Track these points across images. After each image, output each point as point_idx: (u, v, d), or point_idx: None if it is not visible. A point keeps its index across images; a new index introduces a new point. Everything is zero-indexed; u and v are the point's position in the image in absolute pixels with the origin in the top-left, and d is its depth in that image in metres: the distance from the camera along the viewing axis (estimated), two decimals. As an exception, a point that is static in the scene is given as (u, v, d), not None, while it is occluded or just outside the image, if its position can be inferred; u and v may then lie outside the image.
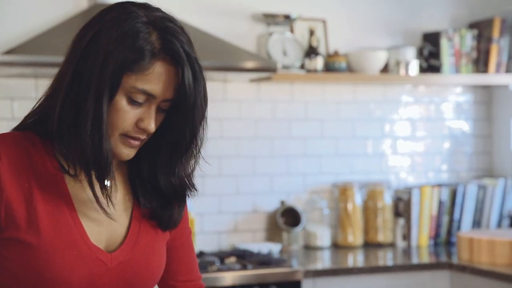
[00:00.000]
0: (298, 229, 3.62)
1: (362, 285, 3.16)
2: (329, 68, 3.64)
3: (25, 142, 1.41)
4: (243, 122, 3.63)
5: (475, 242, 3.24)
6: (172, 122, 1.43)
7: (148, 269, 1.47)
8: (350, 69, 3.70)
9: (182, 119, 1.42)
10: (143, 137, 1.41)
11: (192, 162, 1.48)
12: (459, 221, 3.81)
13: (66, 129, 1.38)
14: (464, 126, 4.05)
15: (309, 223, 3.70)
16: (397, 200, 3.80)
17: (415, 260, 3.44)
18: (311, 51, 3.59)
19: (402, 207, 3.78)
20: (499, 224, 3.86)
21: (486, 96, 4.08)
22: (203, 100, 1.42)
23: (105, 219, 1.44)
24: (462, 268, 3.20)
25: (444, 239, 3.80)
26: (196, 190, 1.51)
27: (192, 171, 1.49)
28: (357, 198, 3.73)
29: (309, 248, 3.66)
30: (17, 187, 1.37)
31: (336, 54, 3.65)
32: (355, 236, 3.71)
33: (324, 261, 3.41)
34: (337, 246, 3.71)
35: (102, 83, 1.34)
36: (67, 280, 1.37)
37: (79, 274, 1.38)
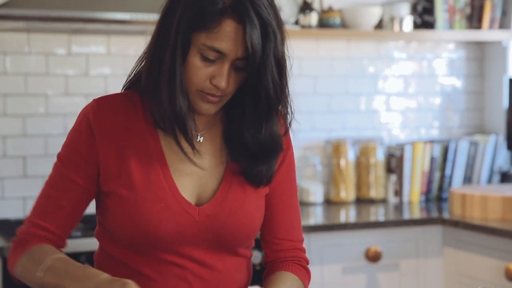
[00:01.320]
0: (291, 185, 3.63)
1: (355, 240, 3.19)
2: (323, 24, 3.62)
3: (124, 101, 1.54)
4: (237, 78, 3.62)
5: (467, 197, 3.27)
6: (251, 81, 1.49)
7: (236, 224, 1.52)
8: (344, 25, 3.69)
9: (256, 78, 1.47)
10: (218, 94, 1.48)
11: (276, 122, 1.53)
12: (450, 177, 3.84)
13: (151, 86, 1.49)
14: (456, 82, 4.06)
15: (302, 179, 3.71)
16: (390, 157, 3.82)
17: (406, 215, 3.47)
18: (305, 7, 3.57)
19: (394, 163, 3.80)
20: (489, 180, 3.89)
21: (479, 53, 4.08)
22: (276, 59, 1.48)
23: (197, 173, 1.52)
24: (454, 223, 3.24)
25: (435, 195, 3.84)
26: (282, 149, 1.56)
27: (278, 130, 1.54)
28: (350, 155, 3.74)
29: (302, 204, 3.67)
30: (112, 146, 1.51)
31: (330, 9, 3.63)
32: (347, 192, 3.73)
33: (316, 216, 3.43)
34: (329, 202, 3.73)
35: (176, 41, 1.44)
36: (156, 229, 1.47)
37: (166, 224, 1.48)
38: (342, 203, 3.71)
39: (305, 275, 1.65)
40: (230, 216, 1.52)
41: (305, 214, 3.43)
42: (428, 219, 3.33)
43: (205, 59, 1.45)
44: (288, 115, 1.57)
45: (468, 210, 3.26)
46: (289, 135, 1.64)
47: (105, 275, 1.39)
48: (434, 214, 3.47)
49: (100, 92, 3.30)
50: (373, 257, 3.17)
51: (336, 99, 3.83)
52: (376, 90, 3.90)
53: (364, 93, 3.88)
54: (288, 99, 1.55)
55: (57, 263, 1.46)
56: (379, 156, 3.78)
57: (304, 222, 3.14)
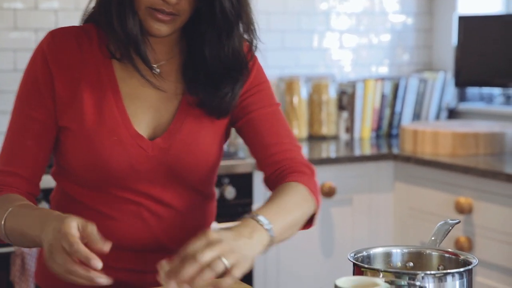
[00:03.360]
0: (244, 122, 3.64)
1: (310, 176, 3.23)
2: (276, -41, 3.58)
3: (79, 33, 1.50)
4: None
5: (419, 133, 3.34)
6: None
7: (189, 157, 1.49)
8: (297, -39, 3.66)
9: None
10: (169, 10, 1.42)
11: (237, 39, 1.48)
12: (400, 114, 3.90)
13: (103, 10, 1.45)
14: (406, 20, 4.09)
15: (255, 116, 3.72)
16: (341, 94, 3.85)
17: (357, 152, 3.53)
18: None
19: (345, 101, 3.84)
20: (437, 117, 3.97)
21: (429, -10, 4.11)
22: None
23: (152, 105, 1.48)
24: (406, 159, 3.30)
25: (386, 131, 3.90)
26: (247, 69, 1.52)
27: (241, 54, 1.50)
28: (303, 92, 3.76)
29: (255, 141, 3.69)
30: (66, 78, 1.47)
31: None
32: (300, 129, 3.76)
33: (270, 153, 3.45)
34: (282, 139, 3.76)
35: None
36: (108, 164, 1.44)
37: (118, 158, 1.44)
38: (294, 140, 3.74)
39: (305, 178, 1.54)
40: (183, 149, 1.48)
41: (259, 151, 3.44)
42: (381, 155, 3.39)
43: None
44: (251, 33, 1.51)
45: (419, 145, 3.34)
46: (256, 58, 1.59)
47: (56, 213, 1.35)
48: (385, 150, 3.54)
49: (51, 26, 3.23)
50: (328, 193, 3.22)
51: (289, 36, 3.82)
52: (328, 27, 3.91)
53: (317, 30, 3.88)
54: (250, 15, 1.50)
55: (18, 209, 1.42)
56: (331, 93, 3.81)
57: (253, 159, 3.15)
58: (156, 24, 1.43)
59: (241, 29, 1.50)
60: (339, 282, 1.15)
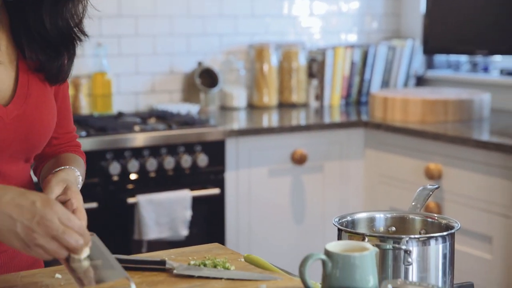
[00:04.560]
0: (215, 90, 3.64)
1: (282, 144, 3.25)
2: None
3: None
4: (159, -19, 3.55)
5: (389, 101, 3.37)
6: None
7: (42, 122, 1.43)
8: None
9: None
10: None
11: (80, 6, 1.42)
12: (369, 81, 3.93)
13: None
14: (375, -13, 4.11)
15: (225, 84, 3.72)
16: (311, 61, 3.86)
17: (327, 119, 3.55)
18: None
19: (315, 68, 3.85)
20: (405, 84, 4.01)
21: (397, -42, 4.12)
22: None
23: None
24: (376, 126, 3.33)
25: (355, 99, 3.92)
26: (85, 35, 1.46)
27: (81, 14, 1.43)
28: (273, 59, 3.76)
29: (226, 109, 3.70)
30: None
31: None
32: (270, 97, 3.77)
33: (240, 121, 3.46)
34: (252, 107, 3.77)
35: None
36: None
37: None
38: (265, 108, 3.75)
39: (84, 157, 1.60)
40: (37, 114, 1.41)
41: (228, 119, 3.45)
42: (351, 122, 3.41)
43: None
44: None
45: (389, 113, 3.37)
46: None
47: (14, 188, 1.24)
48: (354, 117, 3.56)
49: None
50: (299, 160, 3.24)
51: (258, 3, 3.81)
52: (298, -5, 3.91)
53: (286, -3, 3.88)
54: None
55: None
56: (301, 60, 3.81)
57: (228, 126, 3.16)
58: None
59: None
60: (329, 246, 1.16)
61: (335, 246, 1.17)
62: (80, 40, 1.45)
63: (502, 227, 2.84)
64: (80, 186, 1.42)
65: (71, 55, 1.46)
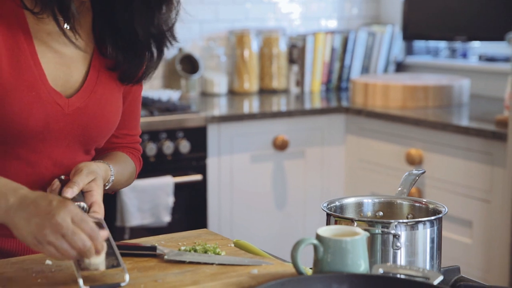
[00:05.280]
0: (195, 76, 3.63)
1: (264, 130, 3.25)
2: None
3: None
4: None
5: (370, 87, 3.38)
6: None
7: (103, 118, 1.46)
8: None
9: None
10: None
11: (173, 13, 1.43)
12: (349, 67, 3.94)
13: None
14: (355, -27, 4.11)
15: (206, 70, 3.71)
16: (292, 47, 3.86)
17: (308, 105, 3.56)
18: None
19: (296, 54, 3.85)
20: (385, 70, 4.02)
21: None
22: None
23: (64, 62, 1.42)
24: (357, 112, 3.35)
25: (335, 84, 3.94)
26: (175, 40, 1.46)
27: (174, 20, 1.44)
28: (254, 45, 3.76)
29: (206, 95, 3.69)
30: None
31: None
32: (251, 83, 3.77)
33: (221, 107, 3.46)
34: (233, 93, 3.77)
35: None
36: (25, 121, 1.36)
37: (36, 116, 1.37)
38: (245, 94, 3.75)
39: (137, 162, 1.61)
40: (99, 109, 1.44)
41: (209, 105, 3.45)
42: (333, 108, 3.43)
43: None
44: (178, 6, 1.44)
45: (370, 99, 3.38)
46: None
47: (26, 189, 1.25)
48: (335, 103, 3.58)
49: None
50: (281, 146, 3.25)
51: (239, -11, 3.80)
52: (278, -20, 3.90)
53: (267, -17, 3.87)
54: None
55: None
56: (282, 46, 3.81)
57: (209, 113, 3.16)
58: None
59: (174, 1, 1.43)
60: (320, 231, 1.17)
61: (326, 230, 1.18)
62: (171, 44, 1.46)
63: (482, 212, 2.88)
64: (109, 185, 1.44)
65: (158, 58, 1.46)
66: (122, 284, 1.15)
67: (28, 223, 1.16)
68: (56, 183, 1.37)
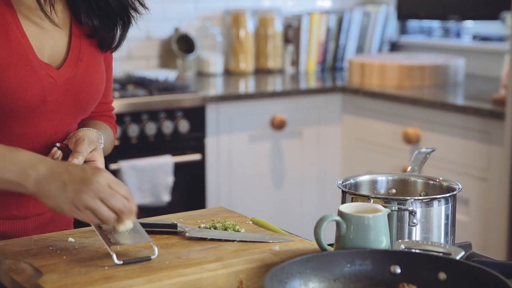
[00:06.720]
0: (191, 56, 3.63)
1: (262, 109, 3.27)
2: None
3: None
4: None
5: (366, 66, 3.40)
6: None
7: (91, 86, 1.47)
8: None
9: None
10: None
11: None
12: (344, 47, 3.95)
13: None
14: (349, -47, 4.11)
15: (202, 50, 3.71)
16: (287, 27, 3.87)
17: (303, 85, 3.57)
18: None
19: (291, 34, 3.86)
20: (380, 50, 4.04)
21: None
22: None
23: (46, 33, 1.42)
24: (354, 91, 3.37)
25: (330, 64, 3.95)
26: (145, 8, 1.48)
27: None
28: (249, 25, 3.76)
29: (202, 75, 3.70)
30: None
31: None
32: (246, 63, 3.78)
33: (217, 87, 3.47)
34: (229, 73, 3.77)
35: None
36: (21, 95, 1.36)
37: (32, 90, 1.37)
38: (241, 74, 3.76)
39: (114, 129, 1.63)
40: (87, 77, 1.45)
41: (206, 85, 3.46)
42: (329, 88, 3.44)
43: None
44: None
45: (367, 78, 3.40)
46: None
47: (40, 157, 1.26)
48: (330, 83, 3.59)
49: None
50: (278, 125, 3.27)
51: (234, -31, 3.80)
52: (273, -40, 3.90)
53: (262, -38, 3.87)
54: None
55: None
56: (277, 26, 3.82)
57: (207, 92, 3.17)
58: None
59: None
60: (342, 207, 1.19)
61: (348, 207, 1.20)
62: (139, 12, 1.48)
63: (479, 190, 2.91)
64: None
65: (126, 25, 1.48)
66: (152, 257, 1.18)
67: (64, 190, 1.17)
68: (58, 152, 1.39)
